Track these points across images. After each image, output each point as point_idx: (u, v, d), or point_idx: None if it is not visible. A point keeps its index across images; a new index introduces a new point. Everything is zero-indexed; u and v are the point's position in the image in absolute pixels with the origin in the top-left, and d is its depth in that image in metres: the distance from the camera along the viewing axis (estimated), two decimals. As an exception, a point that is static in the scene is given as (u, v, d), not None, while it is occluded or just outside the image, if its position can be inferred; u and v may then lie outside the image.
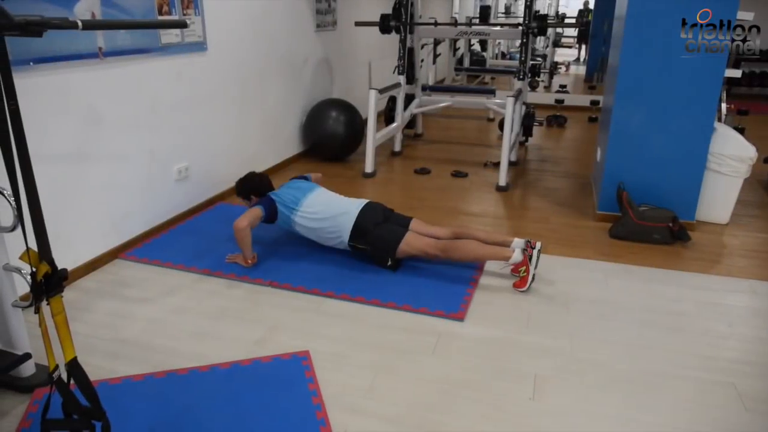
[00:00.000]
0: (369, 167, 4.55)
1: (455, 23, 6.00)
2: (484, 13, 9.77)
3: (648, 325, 2.44)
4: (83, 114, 2.70)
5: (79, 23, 1.88)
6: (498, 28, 5.70)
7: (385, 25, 4.97)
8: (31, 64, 2.37)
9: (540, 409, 1.92)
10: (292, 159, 4.89)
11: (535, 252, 2.74)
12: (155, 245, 3.14)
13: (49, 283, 1.32)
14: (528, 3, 4.68)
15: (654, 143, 3.38)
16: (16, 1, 2.26)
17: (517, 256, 2.70)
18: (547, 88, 9.31)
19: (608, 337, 2.34)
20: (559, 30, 11.62)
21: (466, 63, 9.60)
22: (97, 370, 2.08)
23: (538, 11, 4.95)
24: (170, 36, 3.17)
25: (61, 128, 2.59)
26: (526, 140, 5.66)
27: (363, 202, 2.97)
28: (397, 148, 5.32)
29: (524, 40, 4.74)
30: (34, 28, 1.82)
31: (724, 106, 4.40)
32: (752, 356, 2.22)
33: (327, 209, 2.91)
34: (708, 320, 2.48)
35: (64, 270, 1.37)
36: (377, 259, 2.88)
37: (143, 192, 3.16)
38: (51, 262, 1.33)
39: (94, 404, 1.44)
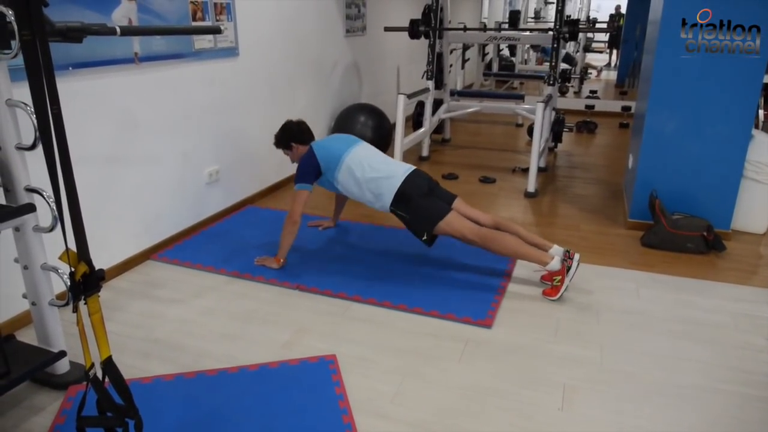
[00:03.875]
0: (396, 172, 4.54)
1: (484, 28, 5.95)
2: (514, 18, 9.70)
3: (681, 336, 2.38)
4: (119, 118, 2.77)
5: (118, 29, 1.94)
6: (527, 33, 5.65)
7: (414, 30, 4.98)
8: (71, 69, 2.44)
9: (569, 420, 1.88)
10: (319, 163, 4.93)
11: (574, 263, 2.67)
12: (186, 247, 3.19)
13: (87, 282, 1.35)
14: (559, 7, 4.63)
15: (689, 150, 3.30)
16: (57, 9, 2.33)
17: (555, 263, 2.64)
18: (578, 93, 9.19)
19: (640, 348, 2.29)
20: (590, 35, 11.48)
21: (495, 68, 9.55)
22: (129, 369, 2.11)
23: (569, 16, 4.89)
24: (203, 42, 3.23)
25: (99, 131, 2.66)
26: (556, 146, 5.61)
27: (410, 167, 2.87)
28: (425, 153, 5.31)
29: (555, 45, 4.69)
30: (75, 34, 1.89)
31: (761, 112, 4.28)
32: (791, 371, 2.15)
33: (372, 168, 2.80)
34: (744, 333, 2.41)
35: (102, 270, 1.40)
36: (415, 229, 2.80)
37: (175, 194, 3.22)
38: (89, 263, 1.36)
39: (128, 402, 1.47)
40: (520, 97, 6.01)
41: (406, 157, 5.08)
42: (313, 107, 4.73)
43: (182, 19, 3.04)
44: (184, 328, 2.42)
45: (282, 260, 2.89)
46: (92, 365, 1.42)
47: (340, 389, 2.01)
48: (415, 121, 5.36)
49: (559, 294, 2.64)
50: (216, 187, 3.56)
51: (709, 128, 3.23)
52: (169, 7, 2.94)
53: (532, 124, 4.84)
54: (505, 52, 10.51)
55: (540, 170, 4.89)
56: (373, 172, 2.80)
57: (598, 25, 9.59)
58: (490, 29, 6.11)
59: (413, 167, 2.90)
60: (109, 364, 1.45)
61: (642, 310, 2.59)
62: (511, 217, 3.82)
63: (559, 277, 2.64)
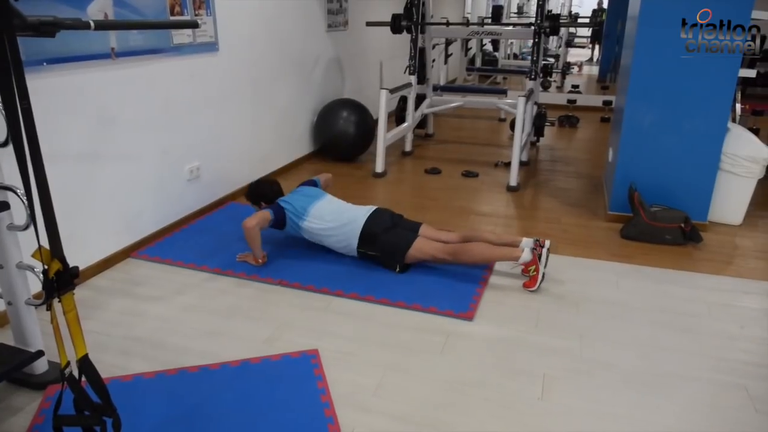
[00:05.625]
0: (379, 167, 4.56)
1: (467, 23, 5.97)
2: (497, 13, 9.73)
3: (659, 326, 2.42)
4: (96, 114, 2.73)
5: (92, 24, 1.91)
6: (510, 28, 5.69)
7: (396, 25, 4.97)
8: (45, 64, 2.41)
9: (548, 409, 1.91)
10: (303, 159, 4.92)
11: (544, 250, 2.73)
12: (167, 244, 3.17)
13: (60, 280, 1.34)
14: (540, 2, 4.66)
15: (666, 143, 3.35)
16: (30, 2, 2.29)
17: (526, 255, 2.70)
18: (560, 88, 9.26)
19: (618, 338, 2.33)
20: (572, 30, 11.56)
21: (478, 63, 9.57)
22: (109, 367, 2.10)
23: (551, 11, 4.92)
24: (182, 36, 3.20)
25: (75, 128, 2.62)
26: (538, 140, 5.65)
27: (371, 208, 2.98)
28: (408, 148, 5.32)
29: (536, 40, 4.72)
30: (48, 28, 1.85)
31: (738, 106, 4.34)
32: (764, 358, 2.19)
33: (335, 218, 2.92)
34: (720, 322, 2.46)
35: (76, 268, 1.39)
36: (386, 264, 2.88)
37: (155, 191, 3.19)
38: (62, 260, 1.35)
39: (104, 401, 1.46)
40: (503, 92, 6.03)
41: (390, 152, 5.11)
42: (296, 103, 4.71)
43: (159, 14, 3.01)
44: (165, 325, 2.40)
45: (260, 260, 2.88)
46: (68, 363, 1.41)
47: (323, 383, 2.01)
48: (398, 116, 5.37)
49: (538, 284, 2.67)
50: (197, 183, 3.54)
51: (687, 122, 3.28)
52: (145, 1, 2.90)
53: (515, 118, 4.89)
54: (489, 47, 10.53)
55: (522, 164, 4.91)
56: (338, 220, 2.91)
57: (580, 20, 9.66)
58: (473, 24, 6.12)
59: (374, 207, 3.00)
60: (85, 363, 1.44)
61: (621, 301, 2.63)
62: (494, 211, 3.85)
63: (534, 267, 2.68)
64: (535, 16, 4.72)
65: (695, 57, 3.11)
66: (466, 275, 2.83)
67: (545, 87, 9.28)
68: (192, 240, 3.23)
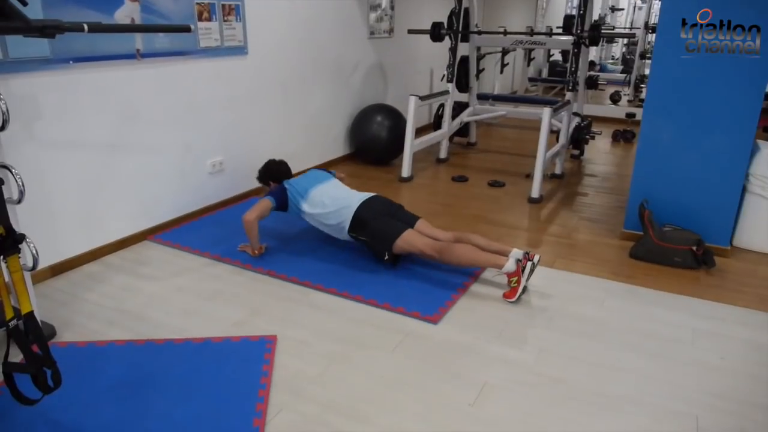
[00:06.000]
0: (405, 172, 4.63)
1: (505, 32, 5.89)
2: (568, 23, 9.43)
3: (629, 348, 2.32)
4: (120, 109, 3.03)
5: (85, 27, 2.17)
6: (553, 38, 5.56)
7: (435, 33, 5.03)
8: (71, 62, 2.72)
9: (475, 416, 1.91)
10: (336, 160, 5.09)
11: (529, 264, 2.69)
12: (183, 231, 3.44)
13: (4, 244, 1.56)
14: (581, 12, 4.55)
15: (685, 159, 3.17)
16: (61, 8, 2.61)
17: (510, 265, 2.67)
18: (632, 101, 8.83)
19: (579, 356, 2.26)
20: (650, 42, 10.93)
21: (545, 74, 9.35)
22: (91, 333, 2.36)
23: (595, 20, 4.78)
24: (209, 40, 3.46)
25: (99, 120, 2.93)
26: (581, 154, 5.47)
27: (368, 195, 3.06)
28: (443, 155, 5.34)
29: (575, 50, 4.60)
30: (51, 30, 2.13)
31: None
32: (730, 391, 2.05)
33: (332, 201, 3.02)
34: (700, 350, 2.31)
35: (21, 235, 1.60)
36: (375, 251, 2.95)
37: (176, 182, 3.47)
38: (7, 227, 1.56)
39: (45, 354, 1.66)
40: (552, 103, 5.86)
41: (422, 158, 5.18)
42: (331, 106, 4.89)
43: (187, 20, 3.28)
44: (152, 301, 2.63)
45: (257, 251, 3.05)
46: (13, 317, 1.63)
47: (268, 366, 2.14)
48: (435, 123, 5.41)
49: (517, 295, 2.64)
50: (219, 177, 3.79)
51: (707, 138, 3.09)
52: (173, 8, 3.19)
53: (560, 129, 4.78)
54: (558, 57, 10.24)
55: (556, 177, 4.82)
56: (332, 205, 3.01)
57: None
58: (518, 33, 6.04)
59: (372, 194, 3.07)
60: (29, 319, 1.65)
61: (599, 319, 2.54)
62: (503, 220, 3.81)
63: (516, 278, 2.65)
64: (575, 24, 4.61)
65: (716, 64, 2.93)
66: (447, 280, 2.85)
67: (614, 100, 8.91)
68: (206, 229, 3.48)
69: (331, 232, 3.08)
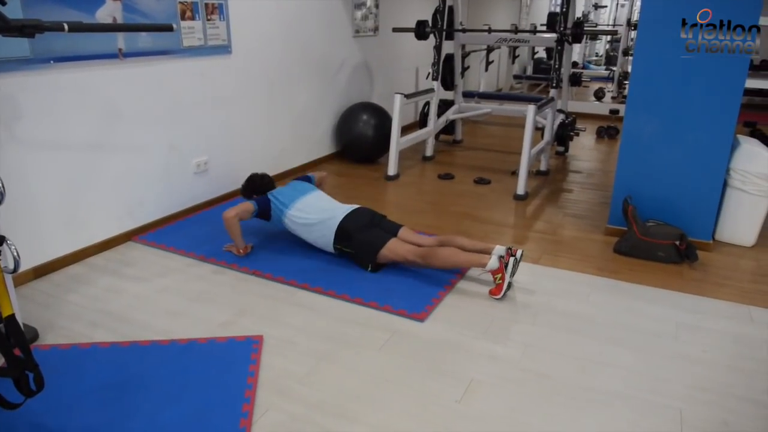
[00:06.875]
0: (391, 170, 4.63)
1: (489, 30, 5.92)
2: (552, 21, 9.51)
3: (614, 342, 2.35)
4: (102, 108, 3.00)
5: (66, 26, 2.14)
6: (536, 35, 5.59)
7: (420, 31, 5.03)
8: (52, 62, 2.68)
9: (462, 412, 1.92)
10: (322, 159, 5.08)
11: (512, 260, 2.71)
12: (167, 231, 3.41)
13: (-17, 246, 1.54)
14: (564, 9, 4.58)
15: (667, 154, 3.21)
16: (41, 7, 2.57)
17: (493, 263, 2.69)
18: (615, 98, 8.92)
19: (564, 351, 2.28)
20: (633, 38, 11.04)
21: (530, 71, 9.41)
22: (76, 335, 2.33)
23: (579, 18, 4.81)
24: (192, 39, 3.43)
25: (81, 121, 2.90)
26: (566, 150, 5.51)
27: (351, 207, 3.07)
28: (429, 153, 5.35)
29: (558, 48, 4.63)
30: (30, 30, 2.10)
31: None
32: (712, 384, 2.08)
33: (316, 213, 3.02)
34: (683, 344, 2.35)
35: (2, 237, 1.58)
36: (360, 261, 2.96)
37: (160, 182, 3.44)
38: (-14, 230, 1.54)
39: (27, 357, 1.64)
40: (537, 100, 5.90)
41: (408, 156, 5.18)
42: (316, 105, 4.88)
43: (170, 19, 3.25)
44: (137, 303, 2.61)
45: (242, 250, 3.04)
46: (-7, 321, 1.60)
47: (255, 366, 2.13)
48: (421, 121, 5.42)
49: (503, 292, 2.66)
50: (204, 177, 3.77)
51: (689, 133, 3.13)
52: (155, 6, 3.15)
53: (545, 126, 4.81)
54: (542, 55, 10.31)
55: (540, 173, 4.86)
56: (318, 216, 3.00)
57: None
58: (503, 31, 6.07)
59: (356, 206, 3.08)
60: (10, 322, 1.62)
61: (584, 315, 2.57)
62: (489, 218, 3.82)
63: (500, 275, 2.66)
64: (558, 23, 4.64)
65: (697, 60, 2.96)
66: (434, 279, 2.85)
67: (598, 97, 8.99)
68: (191, 229, 3.45)
69: (315, 243, 3.07)
